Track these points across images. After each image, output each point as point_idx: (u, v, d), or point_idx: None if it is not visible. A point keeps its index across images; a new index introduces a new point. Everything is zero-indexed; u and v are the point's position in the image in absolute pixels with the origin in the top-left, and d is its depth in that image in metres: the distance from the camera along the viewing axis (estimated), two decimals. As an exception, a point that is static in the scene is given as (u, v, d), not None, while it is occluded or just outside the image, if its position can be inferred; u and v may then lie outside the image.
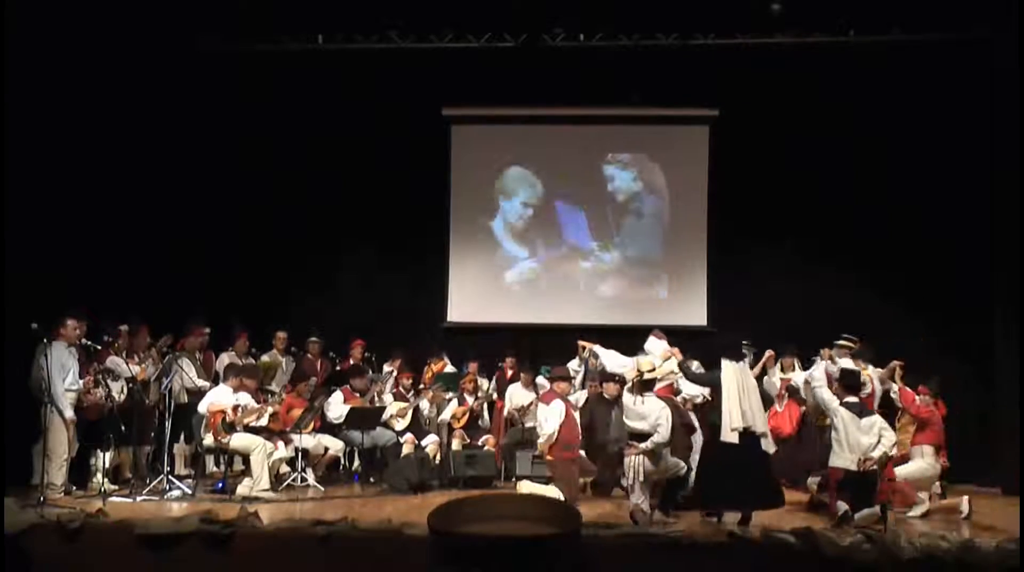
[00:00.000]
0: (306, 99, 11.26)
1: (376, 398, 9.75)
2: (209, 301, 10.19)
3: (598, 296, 11.83)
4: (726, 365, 7.19)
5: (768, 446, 7.19)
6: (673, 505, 7.42)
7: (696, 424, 8.09)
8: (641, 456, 7.10)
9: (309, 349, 10.68)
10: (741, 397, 7.04)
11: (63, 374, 7.80)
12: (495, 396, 10.40)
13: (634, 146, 11.89)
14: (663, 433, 7.11)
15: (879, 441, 7.15)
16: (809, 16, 10.21)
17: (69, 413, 7.82)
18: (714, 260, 11.58)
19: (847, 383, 7.55)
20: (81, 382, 8.04)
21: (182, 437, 9.32)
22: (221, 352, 10.01)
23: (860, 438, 7.15)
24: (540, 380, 9.77)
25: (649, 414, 7.18)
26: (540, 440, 7.82)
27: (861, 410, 7.29)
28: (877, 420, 7.28)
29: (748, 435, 7.02)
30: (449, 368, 10.54)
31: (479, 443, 9.72)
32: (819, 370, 8.20)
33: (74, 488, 8.13)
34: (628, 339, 8.88)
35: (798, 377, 9.55)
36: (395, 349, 10.54)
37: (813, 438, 9.15)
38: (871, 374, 8.50)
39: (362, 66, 11.00)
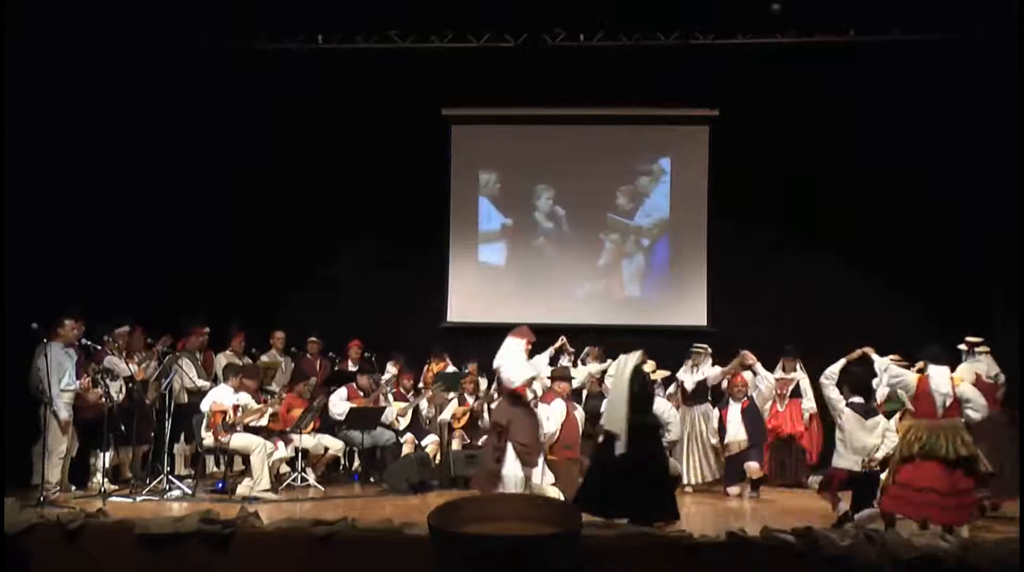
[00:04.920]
0: (306, 99, 11.25)
1: (380, 399, 9.75)
2: (209, 301, 10.19)
3: (599, 296, 11.82)
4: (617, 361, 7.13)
5: (620, 447, 6.78)
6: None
7: None
8: None
9: (309, 349, 10.67)
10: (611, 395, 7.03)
11: (59, 374, 7.78)
12: (495, 396, 10.37)
13: (634, 146, 11.88)
14: (675, 431, 7.11)
15: (883, 442, 7.15)
16: (809, 16, 10.21)
17: (64, 414, 7.78)
18: (714, 260, 11.57)
19: (854, 383, 7.53)
20: (78, 383, 8.03)
21: (182, 437, 9.32)
22: (220, 352, 10.00)
23: (864, 439, 7.14)
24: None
25: (659, 413, 7.19)
26: (541, 440, 7.81)
27: (867, 411, 7.27)
28: (881, 421, 7.26)
29: (611, 435, 6.84)
30: (450, 368, 10.53)
31: (479, 443, 9.70)
32: (836, 367, 7.99)
33: (73, 488, 8.13)
34: (629, 339, 8.89)
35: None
36: (397, 350, 10.53)
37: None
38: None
39: (362, 66, 10.99)
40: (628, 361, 6.98)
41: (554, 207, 11.96)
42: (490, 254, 12.01)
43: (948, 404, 6.67)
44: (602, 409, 7.15)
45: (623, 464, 6.64)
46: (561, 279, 11.87)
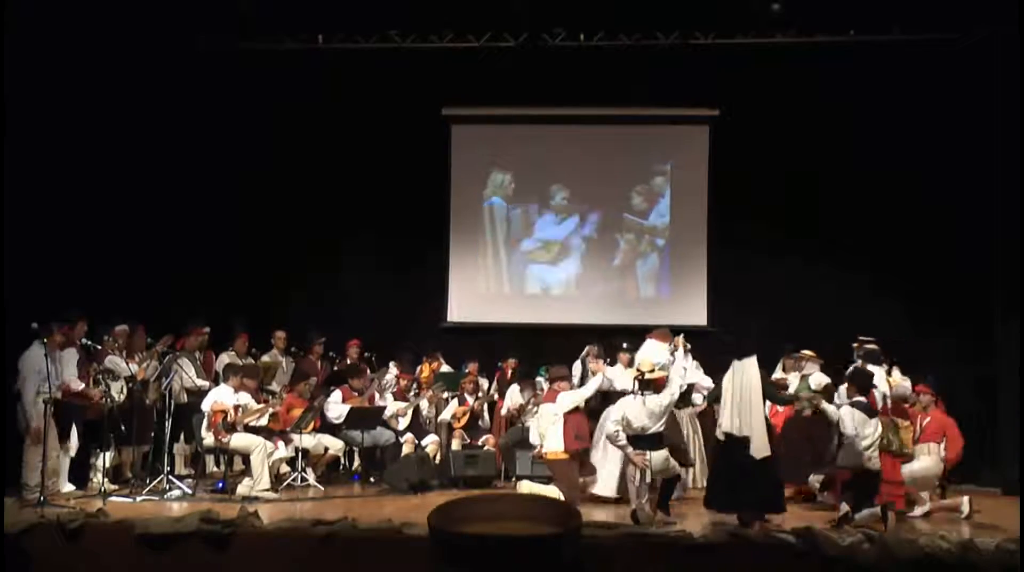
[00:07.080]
0: (306, 99, 11.25)
1: (376, 397, 9.74)
2: (209, 301, 10.19)
3: (598, 295, 11.81)
4: (732, 366, 7.13)
5: (757, 451, 6.83)
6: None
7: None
8: (648, 455, 7.10)
9: (312, 349, 10.65)
10: (732, 398, 6.98)
11: (37, 379, 7.70)
12: (495, 396, 10.39)
13: (634, 146, 11.87)
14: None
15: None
16: (809, 16, 10.21)
17: (35, 422, 7.69)
18: (714, 260, 11.57)
19: (858, 383, 7.54)
20: (59, 384, 7.99)
21: (182, 437, 9.32)
22: (221, 352, 10.00)
23: (871, 435, 7.16)
24: (538, 380, 9.76)
25: (657, 408, 7.20)
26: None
27: (868, 409, 7.28)
28: (876, 420, 7.29)
29: (736, 438, 6.89)
30: (444, 368, 10.53)
31: (479, 443, 9.72)
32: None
33: (73, 487, 8.13)
34: (628, 339, 8.89)
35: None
36: (401, 351, 10.52)
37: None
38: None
39: (362, 66, 10.99)
40: (749, 365, 7.02)
41: (554, 206, 11.92)
42: (490, 254, 11.95)
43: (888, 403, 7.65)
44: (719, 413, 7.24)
45: (757, 464, 6.82)
46: (561, 278, 11.86)
